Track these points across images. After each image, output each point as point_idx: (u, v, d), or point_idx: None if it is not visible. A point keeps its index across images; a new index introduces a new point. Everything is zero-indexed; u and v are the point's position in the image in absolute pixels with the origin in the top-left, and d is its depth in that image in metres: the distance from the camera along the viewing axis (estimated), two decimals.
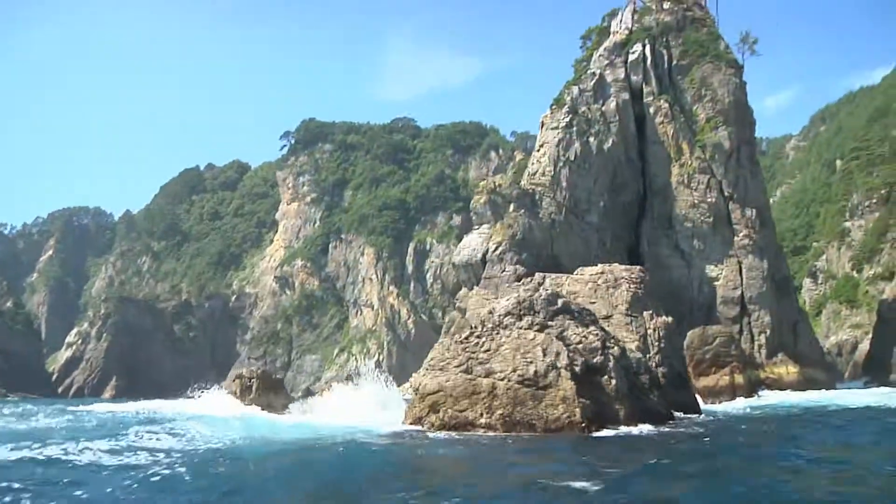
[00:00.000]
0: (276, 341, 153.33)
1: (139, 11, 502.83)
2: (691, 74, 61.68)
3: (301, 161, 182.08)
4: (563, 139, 57.22)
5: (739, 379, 42.90)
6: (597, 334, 23.30)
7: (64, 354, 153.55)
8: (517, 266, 50.96)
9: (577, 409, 20.19)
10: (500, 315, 22.87)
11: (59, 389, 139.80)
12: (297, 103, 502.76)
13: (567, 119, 57.59)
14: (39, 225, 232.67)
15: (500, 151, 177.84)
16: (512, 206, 54.66)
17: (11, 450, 19.09)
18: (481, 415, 20.59)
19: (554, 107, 59.27)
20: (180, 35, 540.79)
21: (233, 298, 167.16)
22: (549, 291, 23.75)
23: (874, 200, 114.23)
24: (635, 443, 20.60)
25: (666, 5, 66.41)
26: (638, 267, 32.75)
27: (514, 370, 21.18)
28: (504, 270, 50.65)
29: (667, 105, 58.73)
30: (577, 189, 56.50)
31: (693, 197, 55.91)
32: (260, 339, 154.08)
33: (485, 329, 22.80)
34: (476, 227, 54.37)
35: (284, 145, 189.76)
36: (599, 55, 61.95)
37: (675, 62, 62.37)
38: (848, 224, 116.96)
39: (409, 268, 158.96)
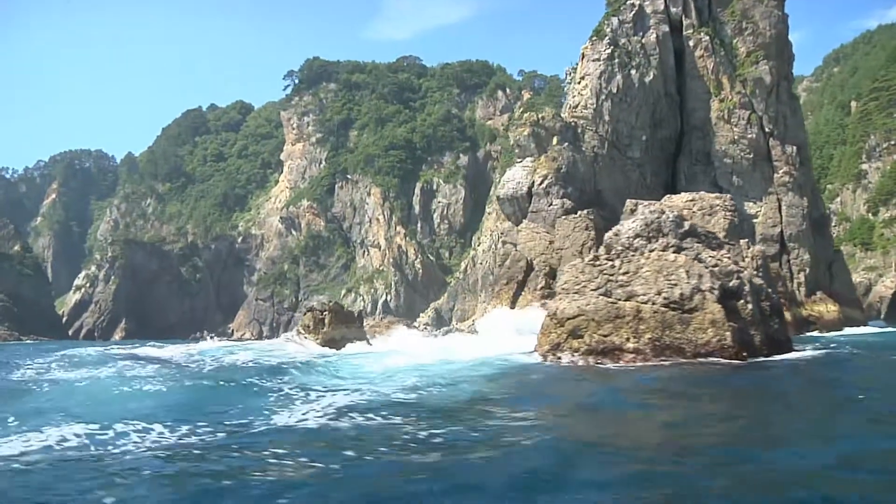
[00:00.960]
0: (283, 282, 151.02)
1: None
2: (732, 6, 58.58)
3: (305, 101, 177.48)
4: (604, 71, 53.94)
5: (787, 316, 39.87)
6: (729, 257, 20.48)
7: (73, 297, 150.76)
8: (564, 200, 47.96)
9: (728, 334, 17.90)
10: (628, 237, 20.19)
11: (70, 332, 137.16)
12: (297, 43, 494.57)
13: (608, 51, 54.27)
14: (41, 168, 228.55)
15: (508, 91, 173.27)
16: (555, 139, 51.39)
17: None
18: (627, 339, 18.21)
19: (594, 38, 55.81)
20: None
21: (238, 240, 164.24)
22: (675, 214, 20.59)
23: (893, 142, 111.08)
24: (814, 371, 19.38)
25: None
26: (727, 195, 29.51)
27: (659, 293, 18.76)
28: (551, 204, 47.84)
29: (707, 38, 55.71)
30: (619, 123, 53.47)
31: (733, 133, 53.39)
32: (267, 280, 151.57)
33: (613, 252, 19.80)
34: (518, 159, 51.17)
35: (288, 85, 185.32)
36: None
37: None
38: (865, 166, 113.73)
39: (416, 208, 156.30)
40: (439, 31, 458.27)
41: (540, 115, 53.94)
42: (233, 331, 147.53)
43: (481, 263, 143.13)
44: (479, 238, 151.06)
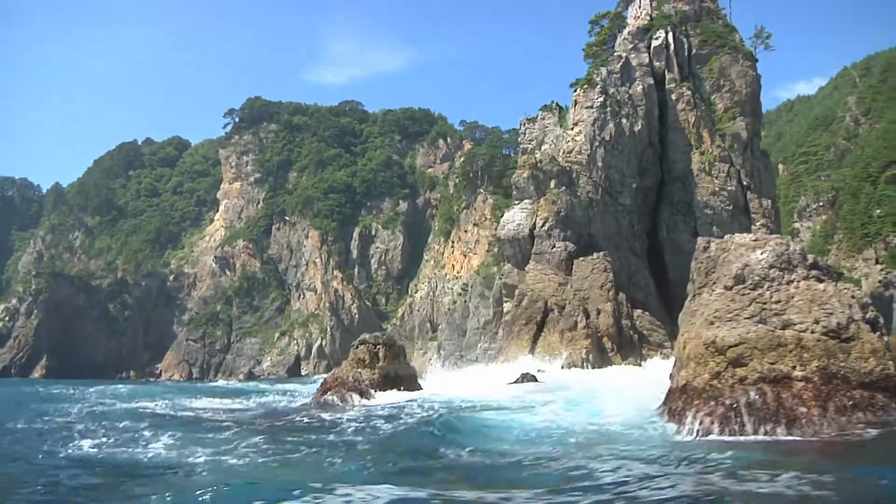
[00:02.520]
0: (216, 323, 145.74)
1: None
2: (710, 64, 60.80)
3: (245, 140, 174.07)
4: (598, 119, 54.15)
5: None
6: (857, 289, 19.28)
7: None
8: (567, 243, 47.10)
9: (890, 363, 16.84)
10: (762, 268, 18.73)
11: None
12: (236, 82, 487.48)
13: (601, 99, 54.52)
14: None
15: (449, 140, 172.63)
16: (553, 183, 50.37)
17: None
18: (794, 367, 16.37)
19: (585, 86, 56.18)
20: (121, 3, 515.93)
21: (170, 278, 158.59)
22: (799, 247, 19.41)
23: (821, 203, 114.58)
24: None
25: None
26: (788, 237, 28.26)
27: (816, 321, 17.42)
28: (554, 247, 47.32)
29: (689, 93, 57.43)
30: (611, 170, 53.77)
31: (714, 184, 54.66)
32: (199, 320, 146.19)
33: (750, 282, 18.42)
34: (516, 201, 50.04)
35: (228, 123, 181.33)
36: (624, 38, 59.83)
37: (693, 51, 61.49)
38: (797, 225, 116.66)
39: (354, 252, 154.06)
40: (376, 78, 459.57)
41: (538, 159, 52.95)
42: (160, 371, 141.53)
43: (418, 311, 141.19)
44: (416, 285, 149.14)
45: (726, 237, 22.08)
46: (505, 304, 47.23)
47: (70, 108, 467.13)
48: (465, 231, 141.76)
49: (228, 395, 32.96)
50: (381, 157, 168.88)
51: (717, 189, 54.40)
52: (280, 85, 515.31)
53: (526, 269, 42.79)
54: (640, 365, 33.45)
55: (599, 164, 53.37)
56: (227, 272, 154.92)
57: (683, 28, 60.66)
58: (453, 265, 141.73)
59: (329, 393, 24.20)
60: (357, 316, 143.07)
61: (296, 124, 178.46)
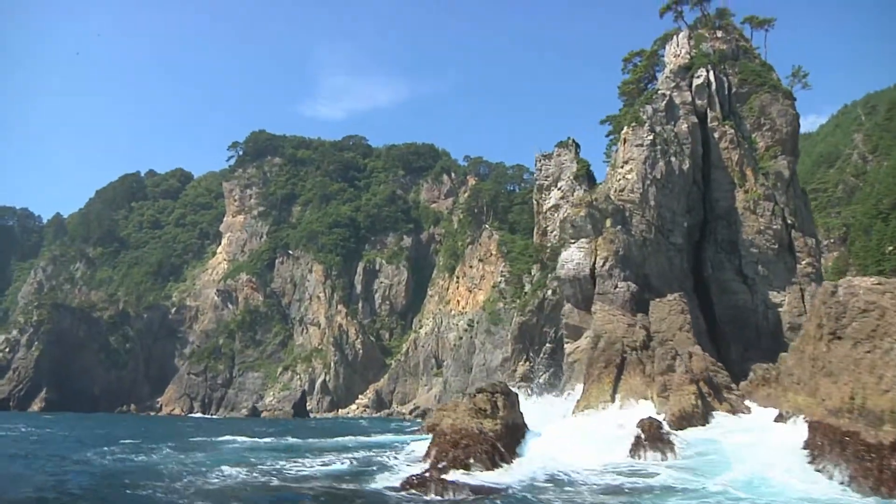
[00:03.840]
0: (218, 357, 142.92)
1: (87, 6, 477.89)
2: (750, 102, 60.26)
3: (249, 173, 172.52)
4: (648, 157, 53.12)
5: None
6: None
7: None
8: (629, 283, 45.41)
9: None
10: None
11: None
12: (236, 115, 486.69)
13: (650, 138, 53.24)
14: None
15: (453, 175, 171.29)
16: (608, 222, 48.62)
17: None
18: None
19: (634, 124, 54.83)
20: (124, 39, 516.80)
21: (172, 311, 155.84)
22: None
23: (832, 240, 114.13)
24: None
25: (719, 34, 64.89)
26: None
27: None
28: (617, 287, 45.54)
29: (732, 131, 56.13)
30: (663, 209, 52.58)
31: (759, 223, 53.80)
32: (201, 353, 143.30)
33: None
34: (572, 240, 48.34)
35: (232, 156, 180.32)
36: (666, 77, 58.33)
37: (734, 90, 60.92)
38: None
39: (358, 287, 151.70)
40: (374, 112, 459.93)
41: (593, 197, 51.29)
42: (161, 405, 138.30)
43: (423, 346, 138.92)
44: (420, 320, 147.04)
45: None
46: (566, 346, 45.26)
47: (72, 139, 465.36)
48: (471, 267, 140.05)
49: (315, 453, 28.80)
50: (386, 191, 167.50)
51: (762, 228, 53.34)
52: (278, 118, 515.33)
53: (592, 309, 40.76)
54: (737, 413, 31.00)
55: (652, 202, 52.04)
56: (230, 305, 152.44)
57: (722, 67, 60.21)
58: (458, 301, 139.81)
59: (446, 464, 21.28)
60: (361, 351, 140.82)
61: (300, 158, 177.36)
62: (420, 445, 28.69)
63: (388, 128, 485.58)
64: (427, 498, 19.31)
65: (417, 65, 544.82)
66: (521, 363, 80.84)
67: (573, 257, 48.78)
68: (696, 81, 58.10)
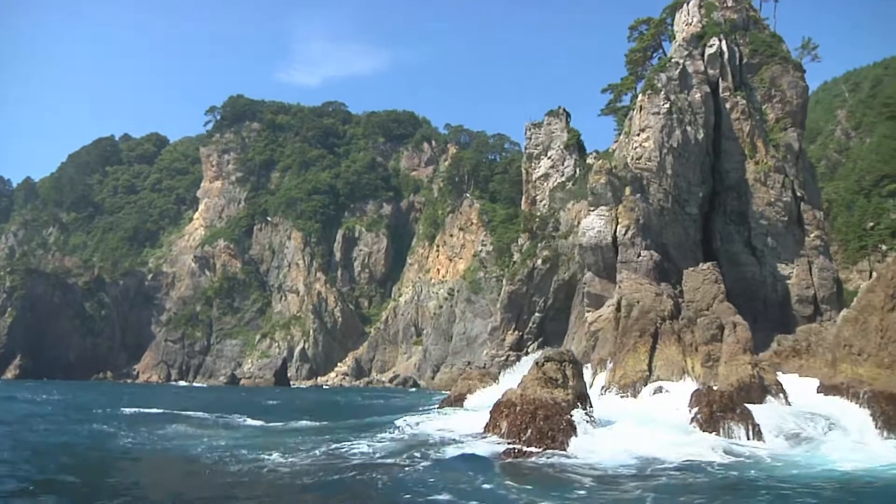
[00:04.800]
0: (195, 324, 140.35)
1: None
2: (760, 74, 59.23)
3: (227, 138, 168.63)
4: (665, 125, 51.71)
5: None
6: None
7: None
8: (652, 252, 43.75)
9: None
10: None
11: None
12: (211, 80, 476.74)
13: (667, 106, 51.65)
14: None
15: (434, 143, 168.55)
16: (628, 190, 46.75)
17: None
18: None
19: (650, 92, 53.04)
20: (98, 1, 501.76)
21: (148, 277, 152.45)
22: None
23: None
24: None
25: (730, 3, 63.27)
26: None
27: None
28: (640, 256, 44.21)
29: (744, 102, 55.26)
30: (679, 178, 51.37)
31: (769, 195, 52.94)
32: (178, 320, 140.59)
33: None
34: (592, 207, 46.41)
35: (209, 120, 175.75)
36: (679, 45, 56.41)
37: (745, 60, 59.75)
38: None
39: (337, 255, 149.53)
40: (352, 80, 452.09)
41: (613, 164, 49.24)
42: (138, 372, 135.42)
43: (403, 315, 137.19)
44: (399, 289, 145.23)
45: None
46: (588, 314, 43.42)
47: (42, 101, 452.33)
48: (451, 235, 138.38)
49: (364, 431, 26.03)
50: (365, 159, 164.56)
51: (772, 200, 52.29)
52: (255, 85, 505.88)
53: (618, 278, 39.02)
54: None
55: (668, 171, 50.60)
56: (207, 272, 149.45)
57: (734, 37, 58.93)
58: (438, 269, 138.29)
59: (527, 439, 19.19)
60: (340, 319, 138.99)
61: (278, 124, 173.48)
62: (464, 418, 26.45)
63: (367, 96, 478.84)
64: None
65: (397, 32, 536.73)
66: (510, 332, 79.24)
67: (593, 225, 47.06)
68: (709, 51, 56.88)
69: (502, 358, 76.45)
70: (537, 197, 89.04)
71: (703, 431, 20.43)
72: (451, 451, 19.70)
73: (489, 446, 19.83)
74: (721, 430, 20.32)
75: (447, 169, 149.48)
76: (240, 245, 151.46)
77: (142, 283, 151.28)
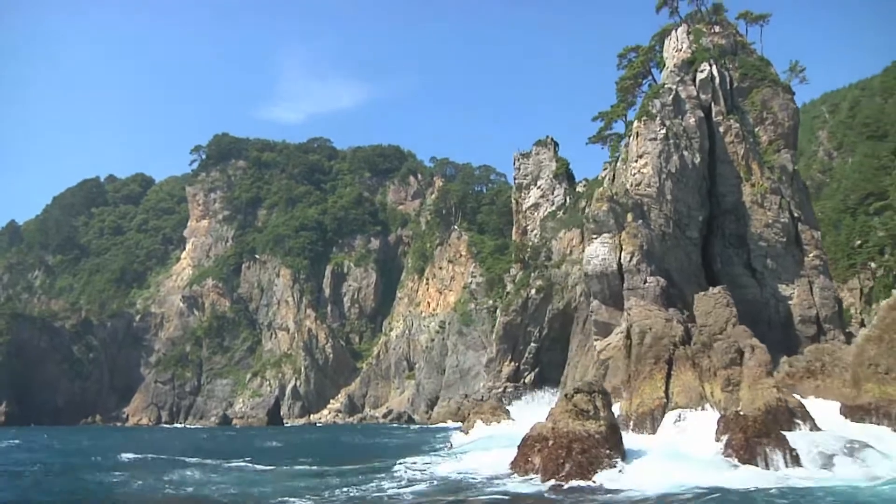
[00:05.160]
0: (185, 364, 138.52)
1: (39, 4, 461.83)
2: (751, 97, 59.90)
3: (213, 177, 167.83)
4: (663, 151, 51.89)
5: None
6: None
7: None
8: (658, 278, 43.10)
9: None
10: None
11: None
12: (193, 119, 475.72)
13: (663, 131, 51.60)
14: None
15: (420, 176, 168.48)
16: (630, 216, 46.25)
17: None
18: None
19: (645, 118, 53.22)
20: (78, 40, 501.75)
21: (136, 318, 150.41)
22: None
23: None
24: None
25: (717, 28, 64.44)
26: None
27: None
28: (646, 282, 43.56)
29: (737, 125, 54.91)
30: (679, 203, 51.10)
31: (767, 217, 52.87)
32: (167, 361, 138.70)
33: None
34: (594, 235, 45.90)
35: (194, 160, 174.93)
36: (671, 71, 57.40)
37: (735, 84, 60.47)
38: None
39: (327, 291, 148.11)
40: (335, 116, 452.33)
41: (614, 191, 48.83)
42: (127, 416, 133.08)
43: (394, 349, 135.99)
44: (390, 323, 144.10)
45: None
46: (596, 343, 42.68)
47: (24, 143, 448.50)
48: (440, 268, 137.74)
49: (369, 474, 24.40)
50: (352, 194, 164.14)
51: (770, 221, 52.34)
52: (238, 123, 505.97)
53: (626, 305, 38.38)
54: None
55: (668, 196, 50.59)
56: (196, 312, 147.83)
57: (723, 61, 59.39)
58: (428, 302, 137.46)
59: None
60: (331, 355, 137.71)
61: (264, 161, 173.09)
62: (483, 457, 25.37)
63: (350, 130, 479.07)
64: None
65: (378, 66, 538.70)
66: (506, 363, 78.53)
67: (598, 253, 46.58)
68: (700, 76, 57.47)
69: (500, 389, 75.67)
70: (528, 227, 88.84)
71: (740, 459, 19.67)
72: (490, 492, 18.73)
73: (528, 486, 18.90)
74: (759, 457, 19.57)
75: (434, 202, 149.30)
76: (228, 284, 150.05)
77: (130, 324, 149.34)
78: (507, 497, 18.24)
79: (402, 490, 20.61)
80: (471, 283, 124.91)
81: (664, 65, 62.34)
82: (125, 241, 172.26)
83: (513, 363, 77.52)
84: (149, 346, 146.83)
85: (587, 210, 67.79)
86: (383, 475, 24.09)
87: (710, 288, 35.48)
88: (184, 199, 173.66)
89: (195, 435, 75.22)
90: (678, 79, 55.42)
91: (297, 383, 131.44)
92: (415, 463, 26.99)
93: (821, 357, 33.00)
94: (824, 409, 27.36)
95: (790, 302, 50.35)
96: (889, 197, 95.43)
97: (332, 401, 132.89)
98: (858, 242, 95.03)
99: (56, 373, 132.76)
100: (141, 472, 27.58)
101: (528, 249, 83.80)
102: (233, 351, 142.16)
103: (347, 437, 61.25)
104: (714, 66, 56.68)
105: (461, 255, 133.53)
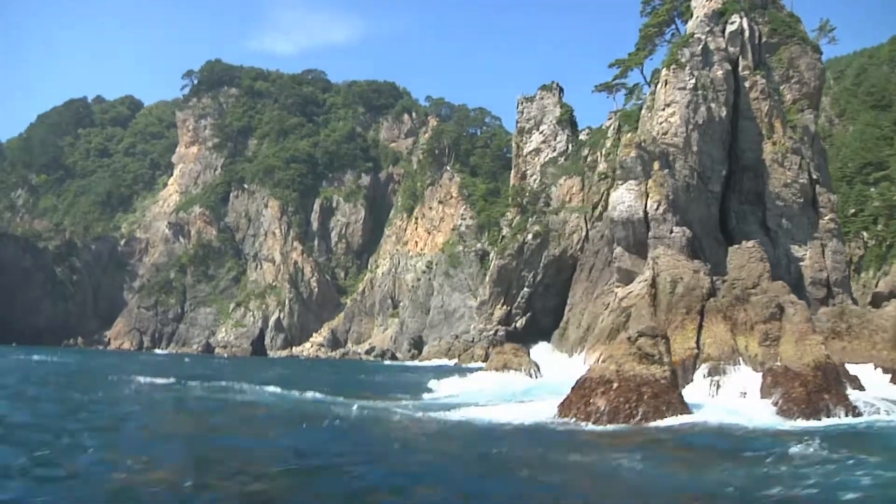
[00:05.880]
0: (169, 291, 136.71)
1: None
2: (779, 54, 58.06)
3: (204, 103, 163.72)
4: (691, 101, 50.24)
5: None
6: None
7: None
8: (684, 228, 41.67)
9: None
10: None
11: None
12: (182, 46, 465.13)
13: (692, 82, 49.59)
14: None
15: (414, 115, 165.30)
16: (656, 164, 44.52)
17: None
18: None
19: (674, 67, 51.05)
20: None
21: (121, 242, 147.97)
22: None
23: None
24: None
25: None
26: None
27: None
28: (672, 232, 42.02)
29: (763, 81, 53.64)
30: (703, 155, 49.15)
31: (786, 176, 51.63)
32: (151, 287, 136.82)
33: None
34: (620, 181, 44.18)
35: (186, 85, 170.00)
36: (700, 21, 54.44)
37: (763, 39, 58.39)
38: None
39: (315, 224, 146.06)
40: (328, 50, 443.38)
41: (641, 138, 46.99)
42: (109, 340, 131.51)
43: (380, 286, 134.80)
44: (376, 260, 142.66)
45: None
46: (617, 290, 41.43)
47: (10, 61, 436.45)
48: (430, 208, 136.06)
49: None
50: (345, 128, 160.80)
51: (789, 181, 51.21)
52: (228, 51, 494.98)
53: (653, 254, 36.83)
54: None
55: (694, 148, 49.11)
56: (182, 239, 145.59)
57: (753, 15, 57.00)
58: (416, 242, 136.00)
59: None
60: (316, 289, 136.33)
61: (257, 90, 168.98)
62: (517, 406, 23.73)
63: (345, 66, 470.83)
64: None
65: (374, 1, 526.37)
66: (498, 306, 77.49)
67: (623, 199, 45.04)
68: (730, 28, 55.51)
69: (491, 332, 74.80)
70: (527, 171, 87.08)
71: (801, 414, 18.49)
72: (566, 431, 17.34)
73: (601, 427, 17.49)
74: (822, 412, 18.41)
75: (428, 141, 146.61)
76: (215, 212, 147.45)
77: (114, 248, 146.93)
78: (604, 434, 16.86)
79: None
80: (460, 225, 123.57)
81: (689, 15, 60.15)
82: (112, 163, 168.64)
83: (505, 306, 76.61)
84: (133, 272, 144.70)
85: (598, 157, 65.94)
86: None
87: (744, 241, 34.14)
88: (173, 125, 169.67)
89: (198, 361, 72.91)
90: (707, 29, 53.39)
91: (281, 315, 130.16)
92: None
93: (847, 319, 31.94)
94: (857, 371, 26.39)
95: (802, 263, 49.38)
96: (889, 168, 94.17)
97: (314, 334, 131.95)
98: (853, 211, 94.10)
99: (39, 293, 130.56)
100: (191, 393, 26.16)
101: (527, 194, 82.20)
102: (217, 280, 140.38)
103: (342, 372, 59.05)
104: (744, 19, 54.65)
105: (452, 197, 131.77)
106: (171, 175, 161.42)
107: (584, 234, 73.26)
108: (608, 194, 68.78)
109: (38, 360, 48.29)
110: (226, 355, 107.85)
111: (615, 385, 18.12)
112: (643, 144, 46.06)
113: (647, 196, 44.41)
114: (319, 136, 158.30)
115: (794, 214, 50.22)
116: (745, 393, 21.85)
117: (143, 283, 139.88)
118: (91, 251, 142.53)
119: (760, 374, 22.40)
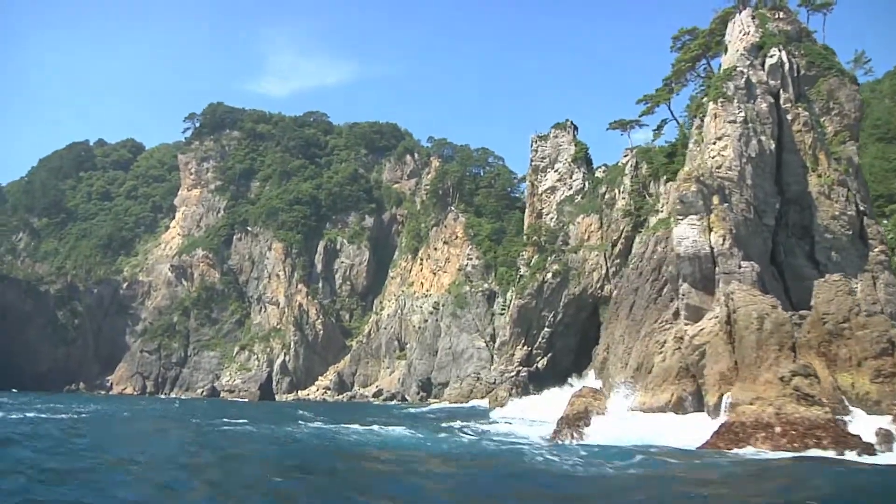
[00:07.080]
0: (172, 335, 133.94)
1: None
2: (817, 86, 57.97)
3: (206, 146, 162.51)
4: (742, 134, 48.79)
5: None
6: None
7: None
8: (752, 262, 40.13)
9: None
10: None
11: None
12: (183, 88, 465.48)
13: (742, 115, 47.99)
14: None
15: (416, 155, 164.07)
16: (715, 199, 43.00)
17: None
18: None
19: (722, 100, 49.26)
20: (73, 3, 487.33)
21: (123, 286, 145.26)
22: None
23: None
24: None
25: (781, 14, 61.92)
26: None
27: None
28: (741, 266, 40.06)
29: (806, 113, 52.22)
30: (757, 188, 47.71)
31: (834, 208, 50.11)
32: (154, 331, 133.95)
33: None
34: (680, 216, 42.36)
35: (188, 127, 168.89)
36: (741, 55, 53.46)
37: (801, 72, 57.42)
38: None
39: (319, 266, 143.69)
40: (318, 91, 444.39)
41: (700, 172, 45.31)
42: (111, 384, 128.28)
43: (385, 328, 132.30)
44: (381, 302, 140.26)
45: None
46: (687, 328, 39.17)
47: (11, 104, 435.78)
48: (435, 249, 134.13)
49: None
50: (348, 170, 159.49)
51: (837, 213, 49.68)
52: (227, 95, 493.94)
53: (728, 289, 34.92)
54: None
55: (749, 181, 47.75)
56: (184, 282, 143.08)
57: (790, 48, 56.15)
58: (422, 283, 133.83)
59: None
60: (321, 332, 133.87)
61: (259, 133, 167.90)
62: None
63: (343, 108, 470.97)
64: None
65: (373, 44, 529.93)
66: (519, 347, 75.41)
67: (687, 234, 43.12)
68: (770, 61, 54.42)
69: (512, 374, 72.66)
70: (543, 210, 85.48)
71: None
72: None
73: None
74: None
75: (431, 182, 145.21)
76: (218, 255, 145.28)
77: (116, 291, 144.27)
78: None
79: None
80: (467, 265, 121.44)
81: (722, 49, 59.25)
82: (113, 206, 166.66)
83: (526, 347, 74.69)
84: (135, 315, 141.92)
85: (616, 194, 64.30)
86: None
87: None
88: (174, 168, 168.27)
89: (217, 406, 69.94)
90: (748, 62, 52.19)
91: (286, 358, 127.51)
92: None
93: None
94: None
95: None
96: None
97: (320, 378, 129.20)
98: None
99: (40, 338, 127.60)
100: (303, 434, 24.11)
101: (544, 233, 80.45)
102: (221, 323, 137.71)
103: (424, 420, 53.40)
104: (783, 52, 53.64)
105: (457, 237, 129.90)
106: (173, 218, 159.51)
107: (603, 272, 71.49)
108: (631, 231, 67.19)
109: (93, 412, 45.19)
110: (230, 399, 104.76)
111: (776, 430, 15.85)
112: (701, 178, 44.31)
113: (710, 231, 42.77)
114: (322, 177, 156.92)
115: (844, 247, 48.71)
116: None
117: (146, 327, 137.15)
118: (93, 295, 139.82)
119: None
